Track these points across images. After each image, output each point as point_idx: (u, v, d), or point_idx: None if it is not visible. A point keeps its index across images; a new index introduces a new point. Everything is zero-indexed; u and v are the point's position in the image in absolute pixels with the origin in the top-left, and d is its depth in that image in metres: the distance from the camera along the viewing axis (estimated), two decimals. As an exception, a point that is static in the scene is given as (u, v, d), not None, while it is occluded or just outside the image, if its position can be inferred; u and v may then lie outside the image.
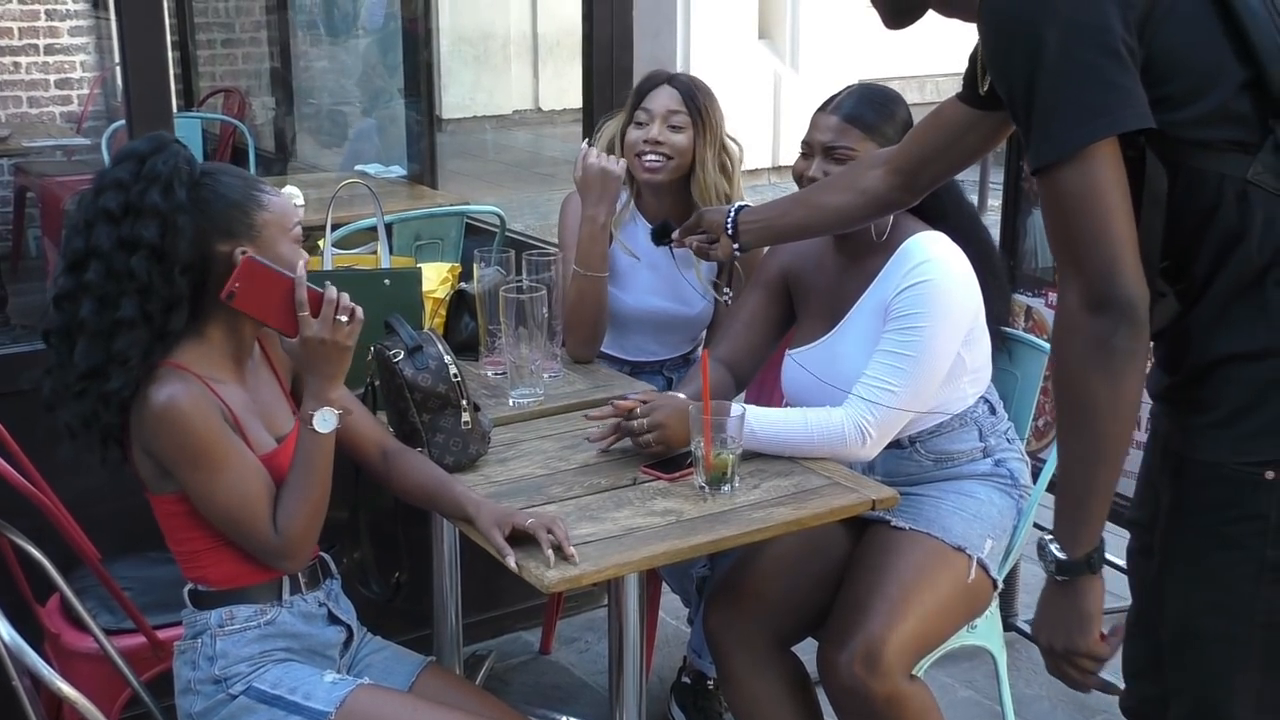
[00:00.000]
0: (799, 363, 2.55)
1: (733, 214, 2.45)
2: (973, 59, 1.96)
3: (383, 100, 5.46)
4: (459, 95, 10.00)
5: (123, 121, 5.41)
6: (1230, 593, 1.64)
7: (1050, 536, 1.65)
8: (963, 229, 2.48)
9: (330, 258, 2.73)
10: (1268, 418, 1.57)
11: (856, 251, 2.48)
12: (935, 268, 2.36)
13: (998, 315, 2.57)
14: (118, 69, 6.81)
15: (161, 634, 2.42)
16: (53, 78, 6.97)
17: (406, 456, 2.21)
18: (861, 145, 2.45)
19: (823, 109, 2.54)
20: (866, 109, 2.48)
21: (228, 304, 1.95)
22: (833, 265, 2.54)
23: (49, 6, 6.90)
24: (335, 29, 6.01)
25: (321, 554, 2.16)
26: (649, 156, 2.92)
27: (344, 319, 1.97)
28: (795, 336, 2.61)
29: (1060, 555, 1.62)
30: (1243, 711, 1.68)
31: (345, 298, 1.99)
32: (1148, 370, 1.74)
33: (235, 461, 1.97)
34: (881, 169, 2.28)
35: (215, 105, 6.04)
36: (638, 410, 2.31)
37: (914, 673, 2.32)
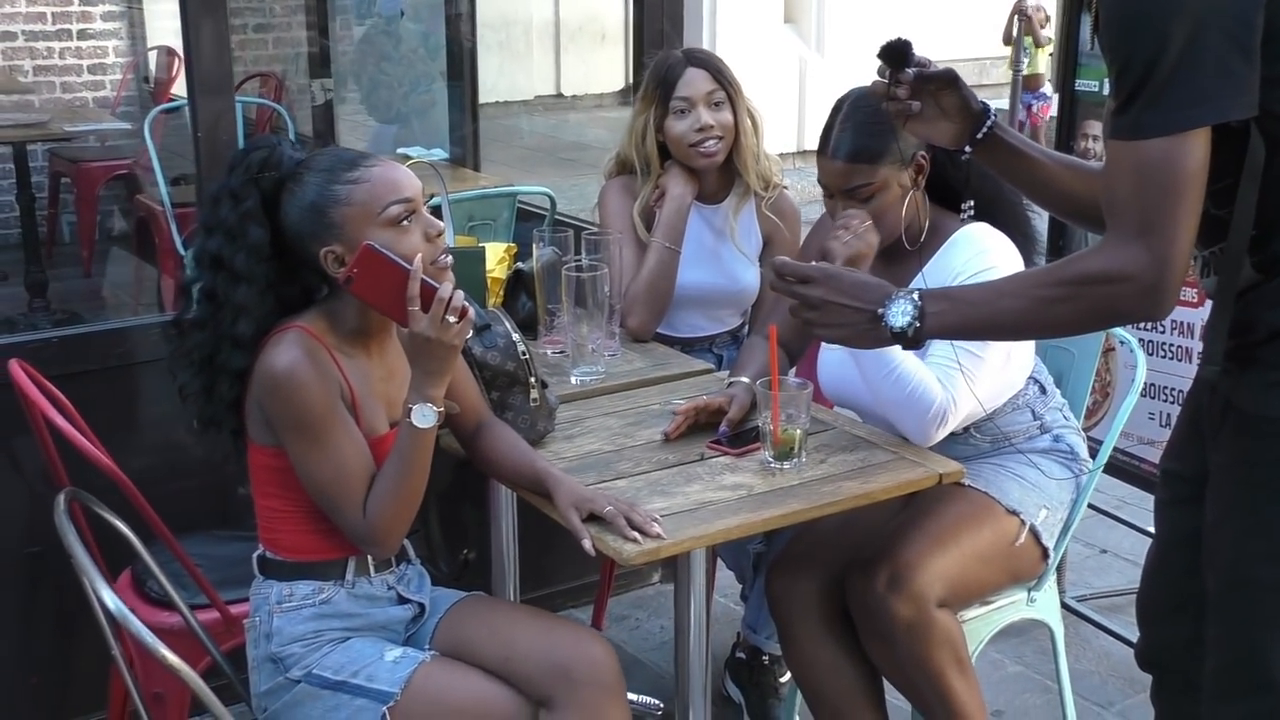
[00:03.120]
0: (840, 358, 2.54)
1: (992, 115, 2.06)
2: None
3: (423, 84, 5.49)
4: (482, 80, 10.02)
5: (164, 106, 5.49)
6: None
7: (919, 298, 1.77)
8: (1004, 220, 2.47)
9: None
10: None
11: (889, 258, 2.42)
12: (996, 256, 2.38)
13: None
14: (151, 54, 6.90)
15: (232, 610, 2.45)
16: (86, 63, 7.00)
17: (498, 429, 2.24)
18: (877, 177, 2.38)
19: (822, 151, 2.45)
20: (866, 138, 2.37)
21: (346, 288, 1.97)
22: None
23: (82, -8, 6.95)
24: (373, 12, 6.03)
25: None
26: (707, 143, 2.96)
27: (453, 319, 1.94)
28: None
29: (915, 325, 1.78)
30: None
31: (459, 297, 1.94)
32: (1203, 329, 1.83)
33: (340, 439, 1.99)
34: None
35: (251, 91, 6.07)
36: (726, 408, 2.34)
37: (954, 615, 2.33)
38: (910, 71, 1.97)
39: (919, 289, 1.81)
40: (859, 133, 2.37)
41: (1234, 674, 1.80)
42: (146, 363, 2.93)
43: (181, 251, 4.69)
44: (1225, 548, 1.77)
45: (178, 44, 6.25)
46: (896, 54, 1.98)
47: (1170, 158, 1.55)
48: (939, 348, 2.31)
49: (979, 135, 2.02)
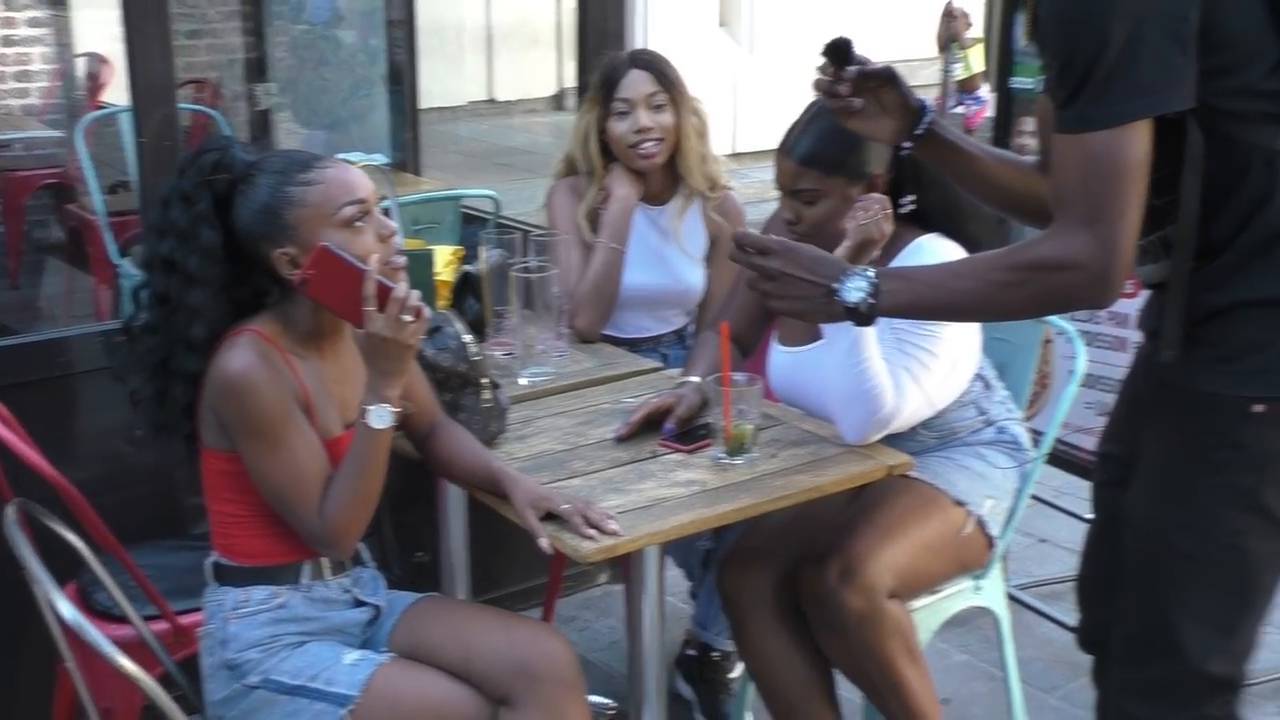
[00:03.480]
0: (788, 363, 2.58)
1: (929, 115, 2.06)
2: None
3: (362, 89, 5.47)
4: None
5: (96, 113, 5.42)
6: (1203, 514, 1.77)
7: (876, 277, 1.80)
8: (963, 232, 2.49)
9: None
10: (1268, 358, 1.71)
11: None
12: (932, 241, 2.42)
13: None
14: (79, 61, 6.79)
15: (181, 620, 2.43)
16: (10, 70, 6.90)
17: (451, 430, 2.24)
18: (826, 185, 2.41)
19: (780, 147, 2.48)
20: (825, 146, 2.40)
21: (302, 290, 1.97)
22: None
23: (5, -2, 6.84)
24: (310, 18, 5.99)
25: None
26: (645, 145, 2.99)
27: (409, 318, 1.94)
28: (782, 328, 2.64)
29: (868, 301, 1.80)
30: (1192, 628, 1.80)
31: (415, 296, 1.94)
32: (1142, 310, 1.93)
33: (296, 442, 1.99)
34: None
35: (185, 97, 6.01)
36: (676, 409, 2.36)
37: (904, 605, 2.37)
38: (852, 69, 1.99)
39: (875, 268, 1.84)
40: (819, 139, 2.40)
41: (1142, 641, 1.86)
42: (87, 372, 2.90)
43: (117, 260, 4.63)
44: (1145, 516, 1.84)
45: (108, 50, 6.21)
46: (839, 52, 1.99)
47: (1115, 149, 1.62)
48: (889, 353, 2.35)
49: (917, 131, 2.05)
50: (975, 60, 9.63)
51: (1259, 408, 1.72)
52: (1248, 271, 1.71)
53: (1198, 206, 1.70)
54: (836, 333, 2.31)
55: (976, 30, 9.56)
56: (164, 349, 2.04)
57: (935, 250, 2.43)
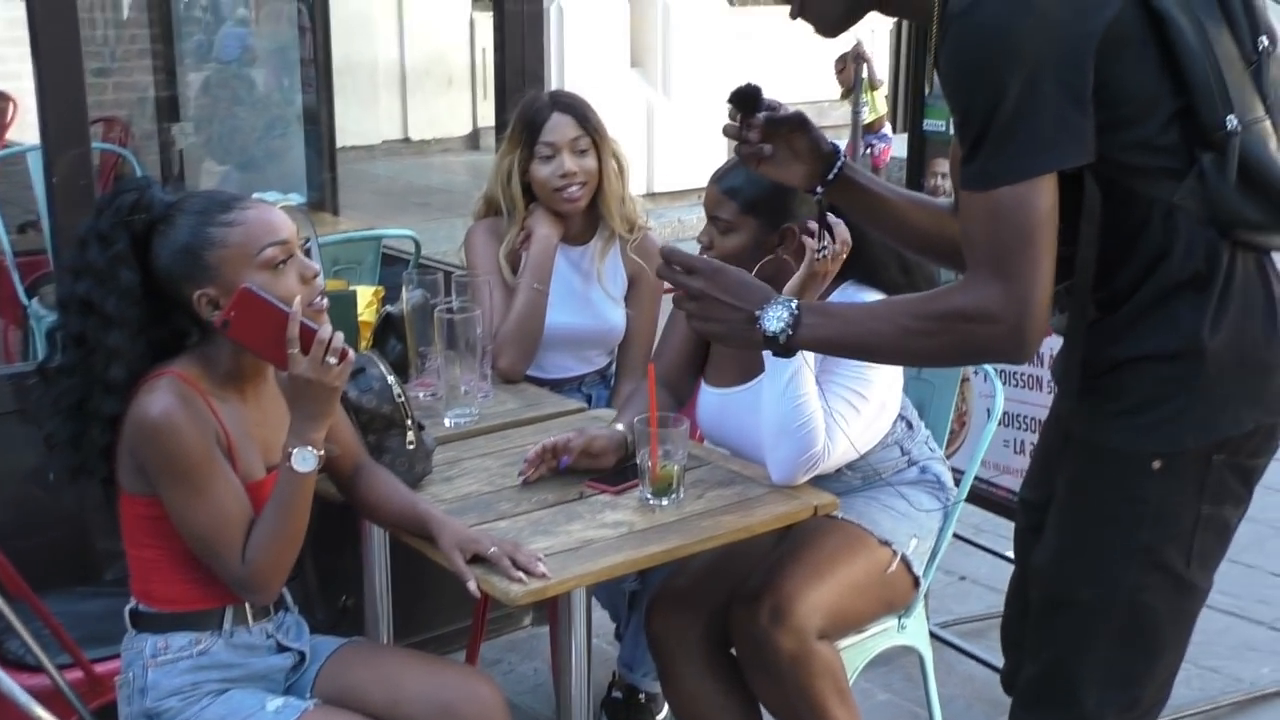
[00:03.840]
0: (717, 404, 2.59)
1: (842, 157, 2.07)
2: None
3: (278, 128, 5.43)
4: (332, 125, 9.95)
5: (5, 151, 5.32)
6: (1104, 568, 1.77)
7: (797, 307, 1.78)
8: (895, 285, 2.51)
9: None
10: (1166, 412, 1.70)
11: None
12: (863, 294, 2.45)
13: None
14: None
15: (97, 668, 2.37)
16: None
17: (376, 472, 2.22)
18: (739, 220, 2.46)
19: (713, 172, 2.53)
20: (750, 184, 2.44)
21: (223, 333, 1.94)
22: None
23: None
24: (223, 57, 5.95)
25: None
26: (570, 189, 3.00)
27: (334, 360, 1.92)
28: (710, 369, 2.65)
29: (788, 333, 1.77)
30: (1091, 679, 1.80)
31: (339, 338, 1.93)
32: (1054, 358, 1.90)
33: (217, 486, 1.96)
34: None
35: (95, 136, 5.92)
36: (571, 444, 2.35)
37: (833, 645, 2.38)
38: (761, 116, 2.00)
39: (799, 300, 1.83)
40: (749, 175, 2.41)
41: (1042, 687, 1.87)
42: (-7, 416, 2.84)
43: (24, 301, 4.54)
44: (1049, 565, 1.85)
45: (12, 88, 6.10)
46: (747, 99, 2.00)
47: (1021, 203, 1.60)
48: (825, 390, 2.36)
49: (830, 176, 2.05)
50: (880, 101, 9.81)
51: (1157, 463, 1.71)
52: (1146, 324, 1.70)
53: (1094, 259, 1.69)
54: (775, 368, 2.33)
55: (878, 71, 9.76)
56: (81, 391, 2.00)
57: (860, 296, 2.45)
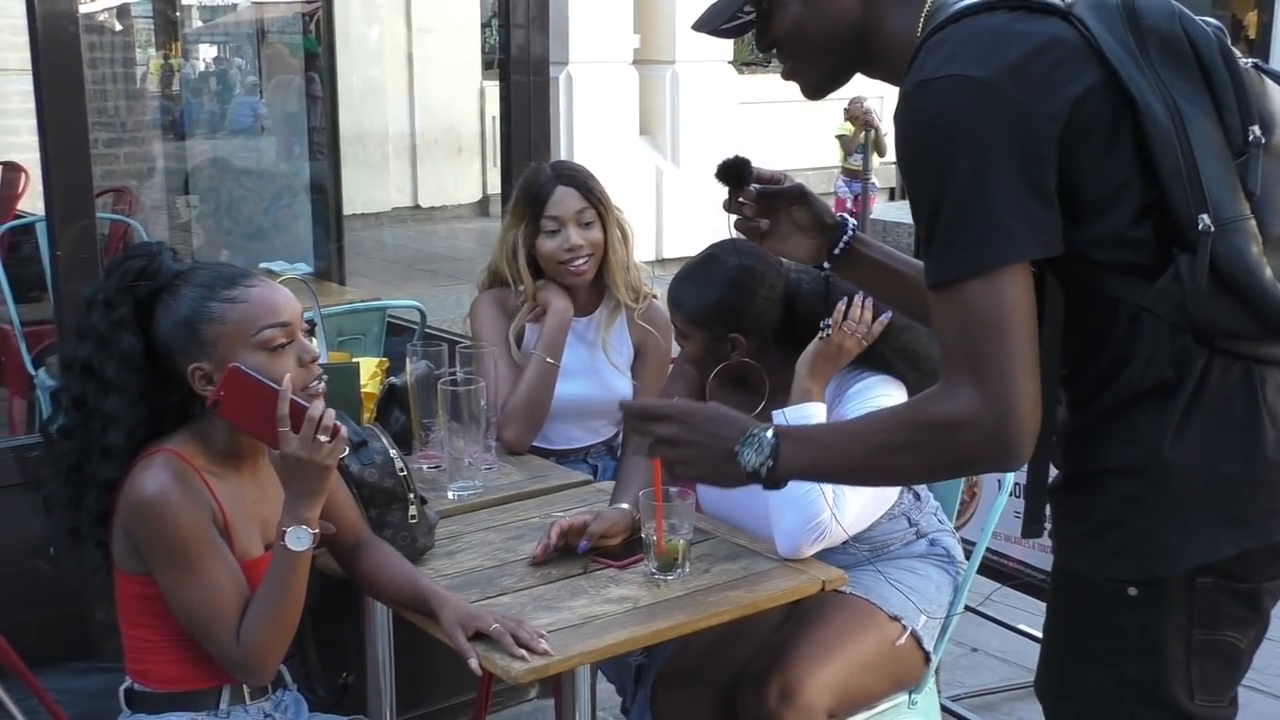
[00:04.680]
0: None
1: (851, 228, 1.97)
2: None
3: (285, 198, 5.46)
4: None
5: (15, 222, 5.35)
6: (1092, 706, 1.62)
7: (772, 436, 1.65)
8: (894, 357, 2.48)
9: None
10: (1129, 536, 1.54)
11: (755, 390, 2.45)
12: (889, 384, 2.43)
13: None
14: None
15: (93, 745, 2.35)
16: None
17: (378, 547, 2.19)
18: (688, 329, 2.49)
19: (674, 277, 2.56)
20: (691, 295, 2.48)
21: (214, 412, 1.92)
22: (731, 397, 2.55)
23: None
24: (234, 126, 6.00)
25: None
26: (577, 262, 3.00)
27: (325, 438, 1.89)
28: None
29: (768, 465, 1.64)
30: None
31: (331, 415, 1.90)
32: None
33: (213, 565, 1.93)
34: None
35: (104, 206, 5.96)
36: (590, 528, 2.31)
37: None
38: (753, 188, 1.92)
39: (776, 425, 1.71)
40: (692, 285, 2.49)
41: None
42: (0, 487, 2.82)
43: (31, 371, 4.54)
44: (1044, 698, 1.72)
45: (21, 159, 6.15)
46: (733, 173, 1.91)
47: (986, 298, 1.46)
48: None
49: (836, 250, 1.95)
50: (874, 161, 9.87)
51: (1134, 590, 1.54)
52: (1106, 435, 1.54)
53: (1058, 361, 1.54)
54: None
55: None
56: (79, 454, 1.98)
57: (876, 392, 2.42)
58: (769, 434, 1.66)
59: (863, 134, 9.48)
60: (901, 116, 1.52)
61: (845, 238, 1.95)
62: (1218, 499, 1.51)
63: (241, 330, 1.94)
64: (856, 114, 9.87)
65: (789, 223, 1.96)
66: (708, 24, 1.74)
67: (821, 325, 2.37)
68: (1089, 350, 1.54)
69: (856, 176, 9.75)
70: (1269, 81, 1.56)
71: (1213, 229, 1.46)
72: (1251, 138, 1.50)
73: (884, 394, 2.42)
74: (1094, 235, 1.49)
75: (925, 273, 1.51)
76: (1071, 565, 1.62)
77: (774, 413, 2.34)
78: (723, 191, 1.99)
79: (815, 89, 1.76)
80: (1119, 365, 1.52)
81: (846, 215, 2.03)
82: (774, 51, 1.74)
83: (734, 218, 1.96)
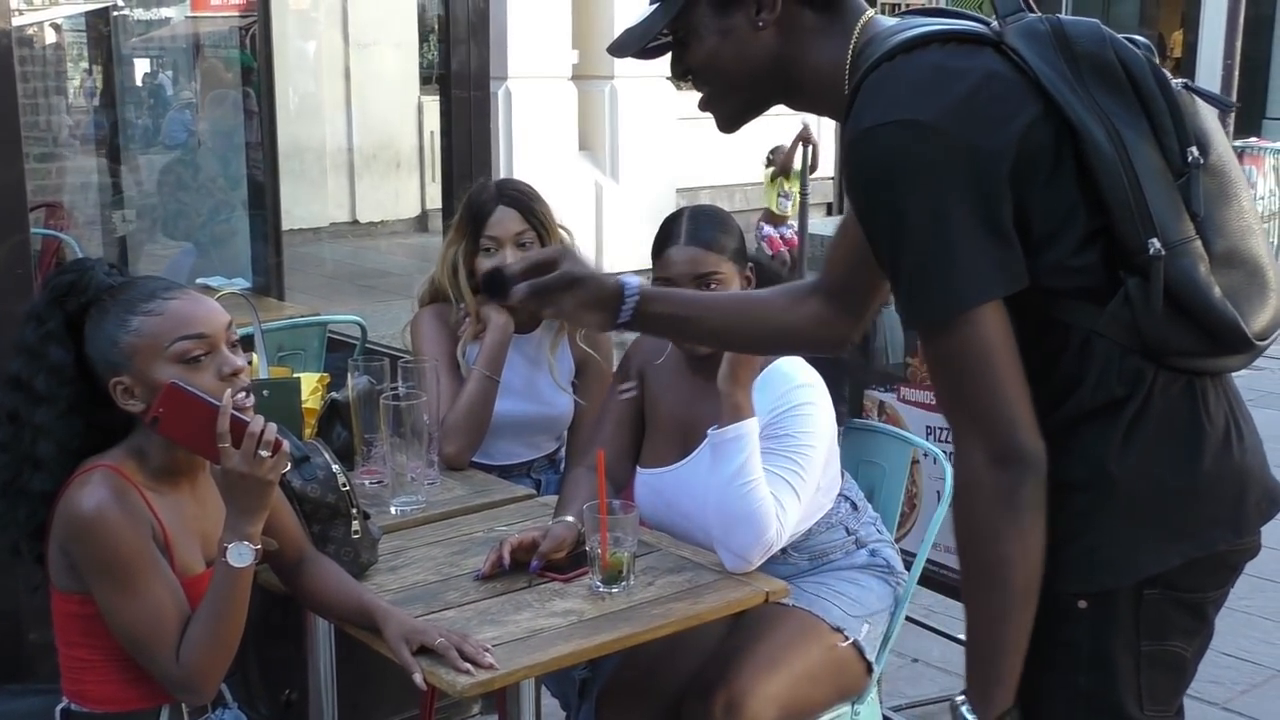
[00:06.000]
0: (653, 485, 2.58)
1: (633, 289, 1.93)
2: None
3: (223, 212, 5.42)
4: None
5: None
6: (1047, 714, 1.61)
7: (962, 699, 1.57)
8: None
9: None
10: (1079, 549, 1.54)
11: (712, 374, 2.38)
12: (813, 391, 2.45)
13: (853, 410, 2.65)
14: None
15: (28, 769, 2.30)
16: None
17: (320, 563, 2.18)
18: (724, 265, 2.48)
19: (665, 244, 2.52)
20: (714, 232, 2.49)
21: (153, 429, 1.91)
22: (685, 386, 2.57)
23: None
24: (168, 142, 5.94)
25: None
26: None
27: (266, 453, 1.88)
28: (644, 452, 2.64)
29: (972, 718, 1.55)
30: None
31: (272, 430, 1.89)
32: None
33: (152, 583, 1.91)
34: (814, 298, 1.98)
35: (36, 221, 5.89)
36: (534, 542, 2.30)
37: None
38: (520, 289, 1.88)
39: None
40: (708, 225, 2.48)
41: None
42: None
43: (-37, 387, 4.45)
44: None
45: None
46: (496, 286, 1.91)
47: (969, 341, 1.47)
48: (766, 467, 2.35)
49: (621, 319, 1.93)
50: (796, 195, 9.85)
51: (1083, 603, 1.55)
52: (1057, 452, 1.52)
53: None
54: (725, 454, 2.32)
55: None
56: (12, 467, 1.97)
57: (788, 375, 2.45)
58: None
59: (797, 155, 9.48)
60: (850, 165, 1.52)
61: (627, 304, 1.92)
62: (1163, 510, 1.53)
63: (156, 343, 1.92)
64: (782, 162, 9.81)
65: (573, 303, 1.92)
66: (624, 49, 1.71)
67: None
68: (1041, 372, 1.53)
69: (782, 221, 9.77)
70: (1199, 101, 1.57)
71: (1163, 253, 1.47)
72: (1190, 158, 1.51)
73: (807, 402, 2.43)
74: (1043, 264, 1.50)
75: (903, 318, 1.53)
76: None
77: (709, 432, 2.34)
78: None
79: (729, 121, 1.74)
80: (1070, 386, 1.53)
81: (630, 278, 1.95)
82: (689, 79, 1.72)
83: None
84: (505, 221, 3.01)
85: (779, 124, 10.65)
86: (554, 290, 1.90)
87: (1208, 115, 1.57)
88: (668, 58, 1.73)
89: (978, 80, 1.48)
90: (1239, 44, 6.53)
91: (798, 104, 1.72)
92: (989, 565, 1.51)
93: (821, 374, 2.52)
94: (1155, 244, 1.47)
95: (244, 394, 1.96)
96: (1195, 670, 1.66)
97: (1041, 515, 1.49)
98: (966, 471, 1.51)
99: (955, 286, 1.46)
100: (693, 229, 2.49)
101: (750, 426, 2.33)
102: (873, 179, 1.50)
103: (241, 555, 1.91)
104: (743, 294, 2.17)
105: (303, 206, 10.35)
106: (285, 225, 5.24)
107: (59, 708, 2.03)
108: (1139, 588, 1.54)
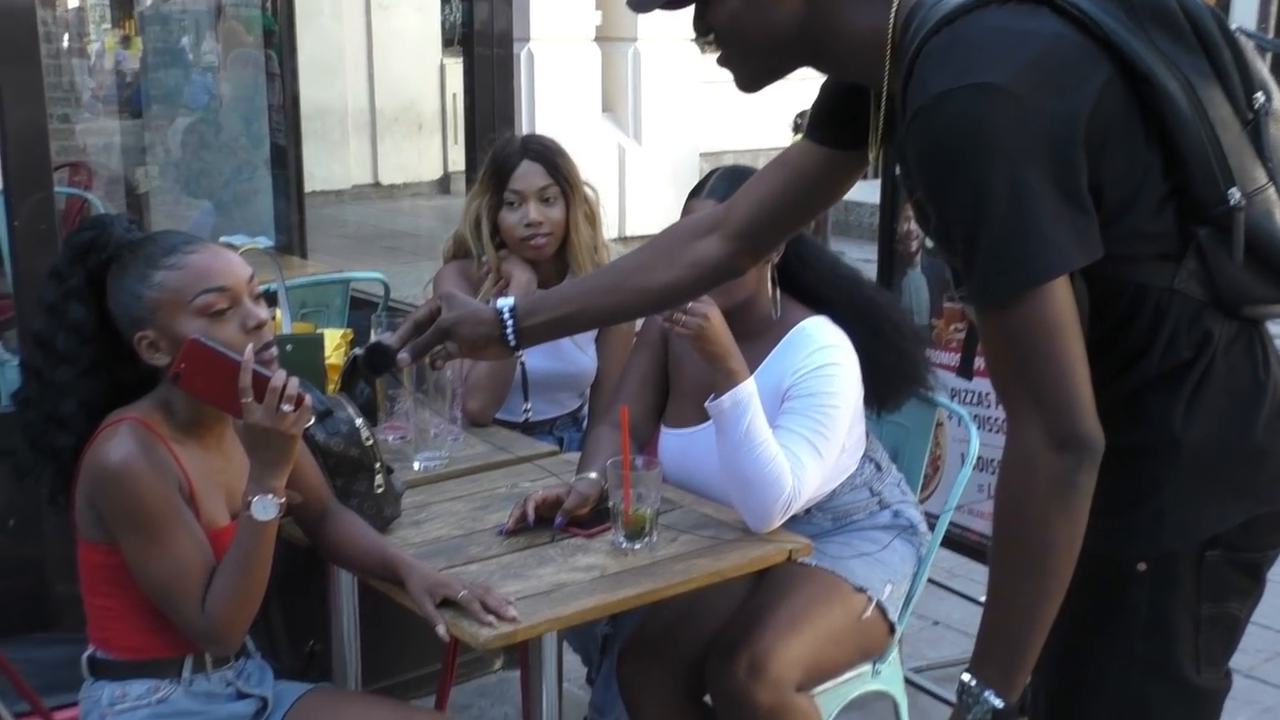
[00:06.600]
0: (677, 445, 2.57)
1: (508, 313, 1.99)
2: (825, 90, 1.80)
3: (245, 172, 5.42)
4: (302, 169, 9.97)
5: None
6: (1095, 680, 1.61)
7: (973, 679, 1.52)
8: (850, 308, 2.51)
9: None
10: (1142, 513, 1.53)
11: (740, 335, 2.35)
12: (839, 353, 2.43)
13: (916, 375, 2.58)
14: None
15: (56, 716, 2.33)
16: None
17: (344, 516, 2.19)
18: None
19: (695, 195, 2.52)
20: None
21: (175, 384, 1.91)
22: None
23: None
24: (191, 102, 5.94)
25: None
26: (535, 239, 2.99)
27: (289, 407, 1.88)
28: (668, 410, 2.64)
29: (997, 703, 1.49)
30: None
31: (294, 384, 1.88)
32: None
33: (179, 535, 1.92)
34: (714, 236, 1.97)
35: (60, 181, 5.91)
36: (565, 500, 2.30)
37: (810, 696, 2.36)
38: (402, 357, 1.98)
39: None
40: (737, 180, 2.37)
41: None
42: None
43: (-11, 344, 4.48)
44: (1042, 682, 1.66)
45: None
46: (379, 360, 1.99)
47: (1041, 315, 1.41)
48: (785, 430, 2.34)
49: (510, 342, 2.00)
50: None
51: (1143, 566, 1.53)
52: (1116, 416, 1.48)
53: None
54: (726, 423, 2.30)
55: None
56: (38, 424, 1.99)
57: (815, 336, 2.43)
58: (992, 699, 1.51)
59: None
60: (918, 135, 1.45)
61: (507, 327, 1.99)
62: (1226, 470, 1.52)
63: (179, 296, 1.93)
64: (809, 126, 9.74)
65: (461, 348, 2.01)
66: (645, 4, 1.67)
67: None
68: (1105, 343, 1.51)
69: None
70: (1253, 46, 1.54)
71: (1244, 203, 1.44)
72: (1258, 105, 1.48)
73: (832, 363, 2.41)
74: (1118, 231, 1.45)
75: (970, 292, 1.47)
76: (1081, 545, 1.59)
77: (708, 405, 2.32)
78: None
79: (749, 82, 1.69)
80: (1136, 354, 1.51)
81: (502, 300, 2.02)
82: (711, 38, 1.67)
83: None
84: (530, 176, 3.00)
85: (805, 88, 10.55)
86: (434, 345, 1.98)
87: (1259, 61, 1.53)
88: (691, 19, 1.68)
89: (1046, 43, 1.42)
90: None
91: (825, 68, 1.68)
92: (1033, 548, 1.47)
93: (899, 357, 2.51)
94: (1235, 194, 1.44)
95: (268, 348, 1.96)
96: (1241, 636, 1.64)
97: (1089, 501, 1.46)
98: (1021, 452, 1.46)
99: (1034, 259, 1.40)
100: (721, 186, 2.47)
101: (747, 390, 2.29)
102: (946, 148, 1.43)
103: (266, 508, 1.92)
104: (616, 267, 2.11)
105: (324, 168, 10.36)
106: (307, 188, 5.24)
107: (85, 655, 2.06)
108: (1201, 549, 1.53)
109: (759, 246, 1.99)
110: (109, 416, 1.97)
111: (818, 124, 1.84)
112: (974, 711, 1.50)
